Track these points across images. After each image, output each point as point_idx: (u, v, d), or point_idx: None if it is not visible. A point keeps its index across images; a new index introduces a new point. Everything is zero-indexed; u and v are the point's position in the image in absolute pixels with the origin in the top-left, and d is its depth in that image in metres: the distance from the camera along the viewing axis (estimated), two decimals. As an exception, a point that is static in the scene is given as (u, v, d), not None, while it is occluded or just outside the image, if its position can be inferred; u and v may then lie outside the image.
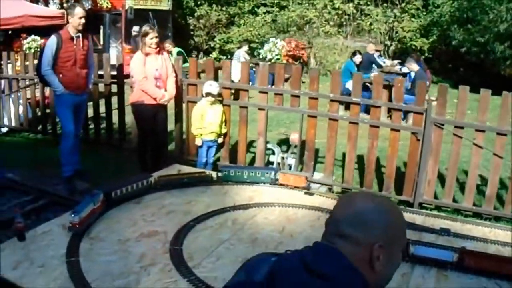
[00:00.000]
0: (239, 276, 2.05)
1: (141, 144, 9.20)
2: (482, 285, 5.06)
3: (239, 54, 20.59)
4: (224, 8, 27.63)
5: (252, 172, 7.75)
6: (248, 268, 2.05)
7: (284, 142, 9.66)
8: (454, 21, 22.42)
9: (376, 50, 19.31)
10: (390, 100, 9.98)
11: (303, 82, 9.64)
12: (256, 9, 28.91)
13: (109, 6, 21.09)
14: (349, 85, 13.17)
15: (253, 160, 9.75)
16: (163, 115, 9.10)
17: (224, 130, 9.08)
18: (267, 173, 7.72)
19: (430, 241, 5.69)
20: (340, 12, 27.04)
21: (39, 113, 12.16)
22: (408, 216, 6.53)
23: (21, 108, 12.33)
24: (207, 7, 27.07)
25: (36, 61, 9.91)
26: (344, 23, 27.47)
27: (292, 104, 8.77)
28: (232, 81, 10.93)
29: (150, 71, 8.55)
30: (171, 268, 5.20)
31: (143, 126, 8.95)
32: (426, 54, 24.32)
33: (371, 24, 26.77)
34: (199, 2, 27.35)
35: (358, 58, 16.39)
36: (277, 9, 28.63)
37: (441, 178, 8.56)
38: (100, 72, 10.69)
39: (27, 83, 11.93)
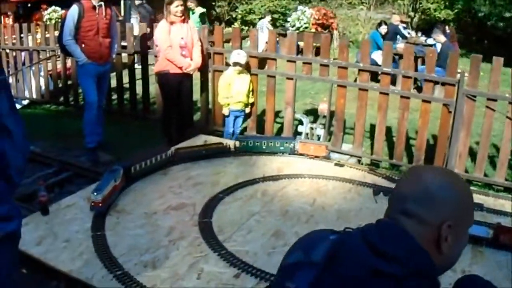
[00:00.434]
0: (296, 255, 1.85)
1: (165, 114, 9.03)
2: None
3: (262, 24, 20.35)
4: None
5: (271, 142, 7.66)
6: (305, 246, 1.86)
7: (311, 113, 9.48)
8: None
9: (402, 22, 19.00)
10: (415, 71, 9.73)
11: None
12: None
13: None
14: (375, 56, 12.96)
15: (280, 130, 9.57)
16: (188, 85, 8.92)
17: (251, 100, 8.90)
18: (286, 142, 7.64)
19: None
20: (364, -19, 26.77)
21: (60, 85, 12.02)
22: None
23: (42, 80, 12.20)
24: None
25: (57, 32, 9.77)
26: (368, -7, 27.20)
27: (321, 73, 8.58)
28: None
29: (176, 40, 8.37)
30: (201, 242, 5.10)
31: (168, 95, 8.77)
32: (451, 26, 24.00)
33: (395, -6, 26.49)
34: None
35: (383, 29, 16.12)
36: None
37: (471, 152, 8.32)
38: (123, 44, 10.49)
39: (48, 54, 11.78)
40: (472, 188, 7.12)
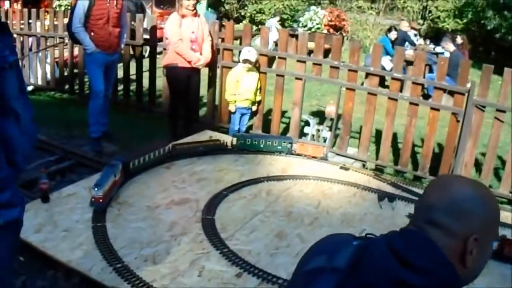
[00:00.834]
0: (319, 260, 1.79)
1: (172, 108, 8.96)
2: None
3: (271, 23, 20.30)
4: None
5: (268, 141, 7.67)
6: (327, 250, 1.80)
7: (317, 114, 9.43)
8: (489, 5, 22.02)
9: (412, 28, 18.92)
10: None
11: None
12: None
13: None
14: (383, 61, 12.89)
15: (286, 130, 9.50)
16: (197, 79, 8.87)
17: (258, 98, 8.82)
18: (284, 142, 7.66)
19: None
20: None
21: (66, 73, 11.95)
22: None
23: (48, 67, 12.14)
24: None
25: (66, 19, 9.71)
26: (378, -2, 27.18)
27: (331, 75, 8.48)
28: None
29: (186, 34, 8.30)
30: (203, 239, 5.07)
31: (176, 89, 8.69)
32: (462, 35, 23.98)
33: (404, 1, 26.42)
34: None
35: (393, 35, 16.06)
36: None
37: (476, 163, 8.27)
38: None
39: (56, 41, 11.71)
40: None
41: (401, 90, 8.47)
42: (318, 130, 8.34)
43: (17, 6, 16.58)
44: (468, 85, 7.63)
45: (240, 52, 8.81)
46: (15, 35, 12.10)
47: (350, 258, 1.69)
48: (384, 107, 8.47)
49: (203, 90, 9.69)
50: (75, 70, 11.67)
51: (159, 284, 4.24)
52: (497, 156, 8.29)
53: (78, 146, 8.34)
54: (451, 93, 8.07)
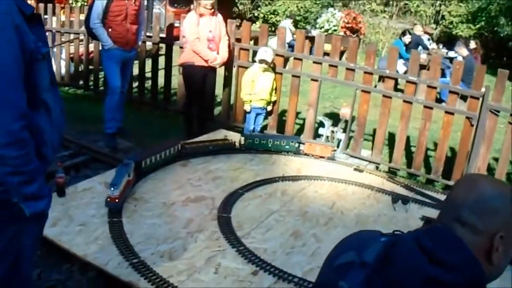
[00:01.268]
0: (349, 255, 1.82)
1: (188, 106, 8.99)
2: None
3: (284, 25, 20.27)
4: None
5: (276, 141, 7.73)
6: (357, 246, 1.83)
7: (330, 116, 9.43)
8: (502, 12, 22.00)
9: (426, 33, 18.88)
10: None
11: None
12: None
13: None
14: (397, 64, 12.89)
15: (300, 131, 9.50)
16: (212, 78, 8.88)
17: (274, 98, 8.82)
18: (291, 142, 7.73)
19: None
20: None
21: (81, 68, 11.97)
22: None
23: (63, 63, 12.16)
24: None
25: (82, 16, 9.74)
26: (391, 2, 27.08)
27: (346, 77, 8.49)
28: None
29: (204, 33, 8.31)
30: (219, 236, 5.09)
31: (191, 88, 8.71)
32: (472, 41, 23.94)
33: (418, 5, 26.39)
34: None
35: (407, 38, 16.02)
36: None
37: (488, 168, 8.25)
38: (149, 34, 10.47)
39: (71, 37, 11.74)
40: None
41: (414, 94, 8.46)
42: (333, 132, 8.33)
43: (31, 1, 16.62)
44: (483, 89, 7.63)
45: (255, 52, 8.82)
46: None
47: (378, 254, 1.72)
48: (397, 111, 8.49)
49: (219, 89, 9.71)
50: (90, 67, 11.69)
51: (176, 280, 4.26)
52: (510, 161, 8.30)
53: (93, 142, 8.34)
54: (464, 98, 8.08)
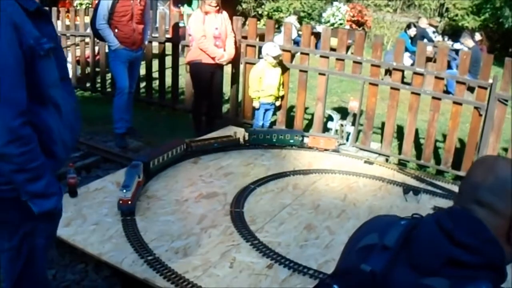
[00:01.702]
0: (370, 238, 1.85)
1: (196, 105, 8.99)
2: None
3: (289, 21, 20.28)
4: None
5: (281, 135, 7.74)
6: (378, 229, 1.85)
7: (338, 111, 9.39)
8: (507, 3, 21.94)
9: (431, 25, 18.85)
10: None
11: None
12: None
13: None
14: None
15: (309, 126, 9.56)
16: (220, 76, 8.90)
17: (282, 93, 8.82)
18: (296, 135, 7.74)
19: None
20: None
21: (87, 71, 11.99)
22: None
23: (69, 66, 12.17)
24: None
25: (87, 18, 9.76)
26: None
27: (354, 71, 8.50)
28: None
29: (210, 30, 8.31)
30: (233, 231, 5.09)
31: (199, 86, 8.72)
32: (478, 32, 23.90)
33: (422, -2, 26.37)
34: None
35: (412, 31, 16.05)
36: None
37: (498, 157, 8.24)
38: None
39: (77, 40, 11.76)
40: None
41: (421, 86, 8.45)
42: (342, 125, 8.33)
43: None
44: (490, 80, 7.62)
45: (261, 49, 8.83)
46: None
47: (399, 236, 1.74)
48: (405, 104, 8.50)
49: (226, 87, 9.74)
50: (97, 69, 11.70)
51: (192, 276, 4.27)
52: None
53: (102, 142, 8.39)
54: (471, 89, 8.06)
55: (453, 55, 14.06)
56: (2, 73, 2.53)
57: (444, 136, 8.79)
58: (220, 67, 8.70)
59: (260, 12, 26.09)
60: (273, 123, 9.19)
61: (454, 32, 21.88)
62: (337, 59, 8.63)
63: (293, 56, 9.38)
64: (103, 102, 10.39)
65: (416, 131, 8.79)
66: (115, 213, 5.22)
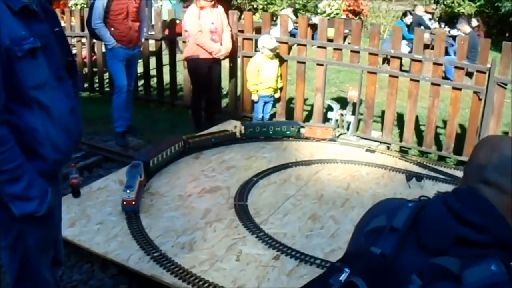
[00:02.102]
0: (379, 220, 1.85)
1: (195, 100, 9.01)
2: None
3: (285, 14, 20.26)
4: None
5: (277, 127, 7.74)
6: (387, 211, 1.85)
7: (338, 101, 9.37)
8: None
9: (427, 12, 18.87)
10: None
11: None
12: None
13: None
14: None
15: (309, 117, 9.57)
16: (217, 70, 8.93)
17: (280, 85, 8.81)
18: (292, 127, 7.75)
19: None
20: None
21: (84, 71, 11.95)
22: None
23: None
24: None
25: (83, 18, 9.74)
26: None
27: (352, 60, 8.48)
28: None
29: (206, 25, 8.30)
30: (238, 224, 5.10)
31: (198, 81, 8.71)
32: (474, 18, 23.88)
33: (417, -14, 26.32)
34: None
35: (409, 19, 16.06)
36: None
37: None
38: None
39: (73, 41, 11.72)
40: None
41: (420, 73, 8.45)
42: (342, 115, 8.32)
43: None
44: (489, 64, 7.62)
45: (257, 41, 8.82)
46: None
47: (407, 218, 1.74)
48: (404, 92, 8.49)
49: (225, 81, 9.74)
50: (94, 69, 11.68)
51: (199, 270, 4.28)
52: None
53: (103, 142, 8.38)
54: (469, 74, 8.05)
55: (450, 41, 14.04)
56: None
57: (445, 122, 8.79)
58: (217, 61, 8.72)
59: (255, 6, 26.06)
60: (273, 116, 9.19)
61: (450, 18, 21.86)
62: (334, 49, 8.61)
63: (290, 48, 9.35)
64: (101, 102, 10.38)
65: (416, 118, 8.78)
66: (119, 211, 5.21)
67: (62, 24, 11.46)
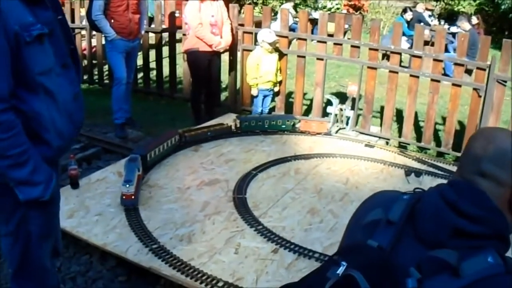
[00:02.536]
0: (376, 213, 1.84)
1: (195, 93, 8.99)
2: None
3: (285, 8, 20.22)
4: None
5: (272, 121, 7.75)
6: (383, 204, 1.84)
7: (337, 96, 9.36)
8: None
9: (427, 9, 18.86)
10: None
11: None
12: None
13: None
14: (400, 41, 12.87)
15: (308, 111, 9.55)
16: (217, 63, 8.92)
17: (279, 78, 8.81)
18: (287, 120, 7.77)
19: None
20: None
21: (84, 63, 11.94)
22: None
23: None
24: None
25: (82, 10, 9.71)
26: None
27: (352, 55, 8.47)
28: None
29: (206, 18, 8.28)
30: (237, 217, 5.10)
31: (197, 74, 8.70)
32: (474, 16, 23.88)
33: (417, -18, 26.29)
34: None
35: (409, 15, 16.05)
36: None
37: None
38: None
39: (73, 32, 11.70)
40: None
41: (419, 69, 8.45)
42: (341, 110, 8.31)
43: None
44: (488, 61, 7.62)
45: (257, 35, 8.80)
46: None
47: (404, 211, 1.74)
48: (403, 88, 8.48)
49: (225, 74, 9.73)
50: (94, 61, 11.67)
51: (197, 263, 4.28)
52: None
53: (102, 133, 8.36)
54: (468, 72, 8.04)
55: (450, 38, 14.05)
56: None
57: (444, 118, 8.79)
58: (217, 54, 8.71)
59: (255, 0, 26.04)
60: (272, 109, 9.18)
61: (449, 16, 21.85)
62: (334, 43, 8.61)
63: (290, 42, 9.34)
64: (101, 94, 10.37)
65: (416, 114, 8.78)
66: (117, 203, 5.21)
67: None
